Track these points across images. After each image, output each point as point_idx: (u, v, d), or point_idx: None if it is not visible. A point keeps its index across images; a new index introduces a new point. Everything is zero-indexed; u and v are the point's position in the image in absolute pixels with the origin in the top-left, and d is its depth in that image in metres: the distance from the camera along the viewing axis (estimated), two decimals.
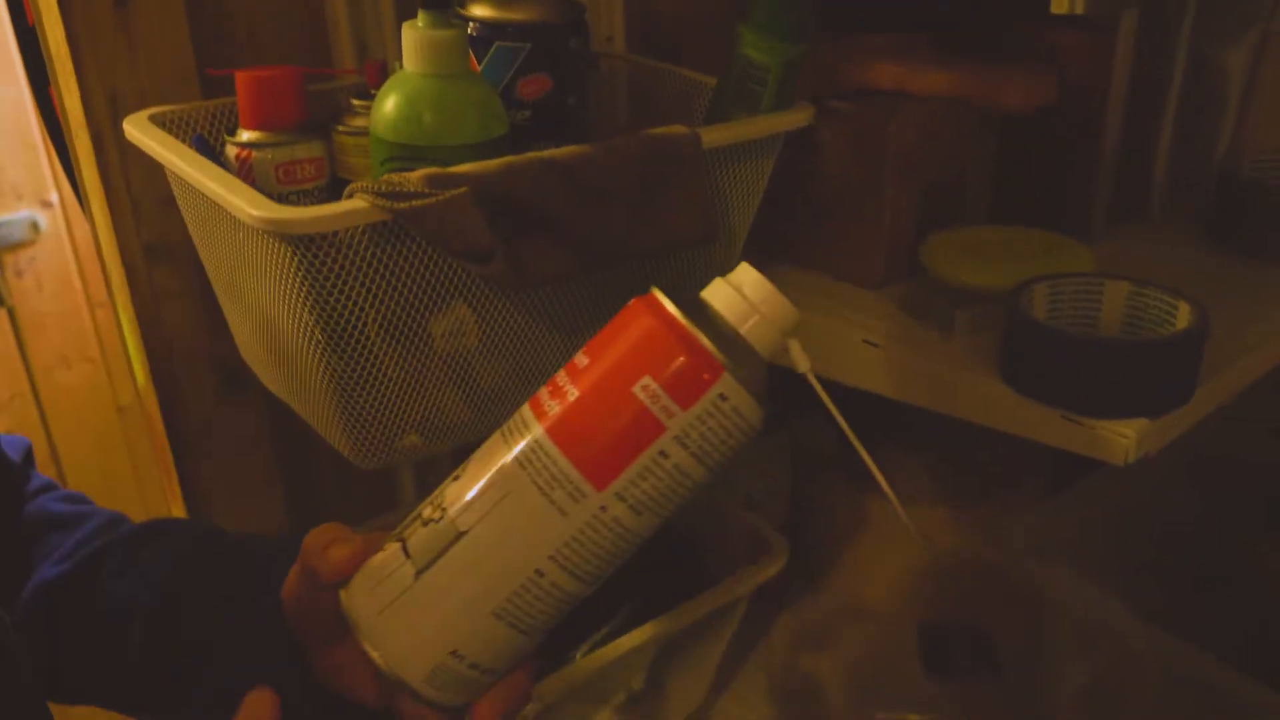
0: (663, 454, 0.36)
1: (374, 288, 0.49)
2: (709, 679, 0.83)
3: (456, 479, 0.39)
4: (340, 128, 0.58)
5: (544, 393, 0.38)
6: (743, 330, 0.39)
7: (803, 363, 0.42)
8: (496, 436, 0.39)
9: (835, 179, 0.72)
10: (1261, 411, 0.77)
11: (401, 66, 0.52)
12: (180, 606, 0.49)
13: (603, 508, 0.36)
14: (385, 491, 0.79)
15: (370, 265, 0.48)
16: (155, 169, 0.62)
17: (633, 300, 0.39)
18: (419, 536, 0.38)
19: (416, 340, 0.53)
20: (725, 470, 0.39)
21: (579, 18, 0.57)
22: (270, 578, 0.47)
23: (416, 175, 0.47)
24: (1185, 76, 0.80)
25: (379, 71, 0.59)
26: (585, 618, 0.73)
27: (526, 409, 0.38)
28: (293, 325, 0.52)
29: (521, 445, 0.37)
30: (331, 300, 0.49)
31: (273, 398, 0.72)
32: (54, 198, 1.44)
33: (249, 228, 0.48)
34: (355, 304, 0.50)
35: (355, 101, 0.58)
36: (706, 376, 0.36)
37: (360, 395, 0.54)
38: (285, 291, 0.50)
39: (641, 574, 0.76)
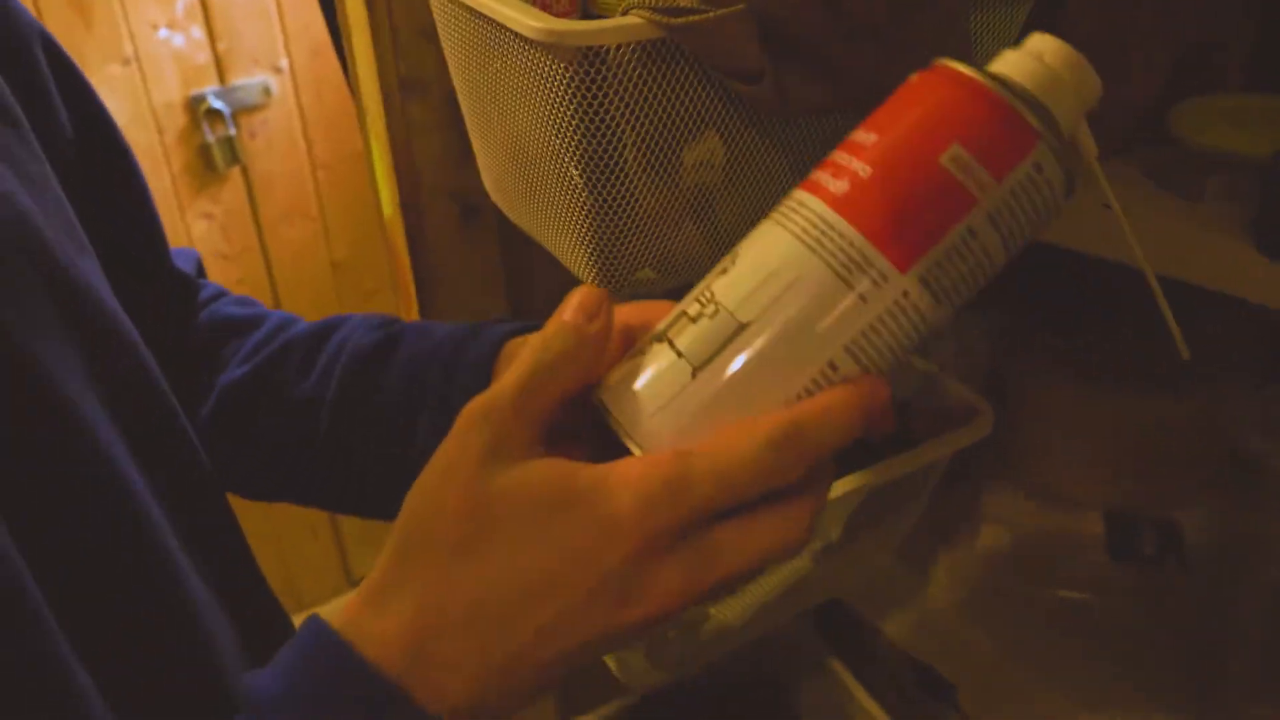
0: (971, 233, 0.33)
1: (637, 111, 0.51)
2: (898, 541, 0.84)
3: (724, 272, 0.36)
4: None
5: (823, 176, 0.35)
6: (1047, 98, 0.35)
7: (1090, 148, 0.39)
8: (770, 226, 0.36)
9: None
10: None
11: None
12: (365, 396, 0.49)
13: (905, 293, 0.33)
14: None
15: (637, 87, 0.50)
16: (416, 1, 0.65)
17: (917, 74, 0.35)
18: (690, 333, 0.35)
19: (669, 169, 0.54)
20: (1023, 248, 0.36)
21: None
22: (462, 358, 0.46)
23: None
24: None
25: None
26: None
27: (804, 194, 0.35)
28: (555, 149, 0.54)
29: (807, 227, 0.34)
30: (596, 122, 0.51)
31: (508, 233, 0.75)
32: (284, 64, 1.52)
33: (523, 45, 0.50)
34: (617, 127, 0.52)
35: None
36: (1024, 143, 0.33)
37: (612, 222, 0.56)
38: (553, 112, 0.52)
39: None
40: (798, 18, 0.49)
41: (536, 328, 0.44)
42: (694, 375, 0.34)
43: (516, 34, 0.50)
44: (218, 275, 1.56)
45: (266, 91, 1.50)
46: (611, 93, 0.50)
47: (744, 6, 0.46)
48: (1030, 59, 0.36)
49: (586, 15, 0.61)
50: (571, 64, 0.49)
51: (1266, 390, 0.71)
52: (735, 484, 0.32)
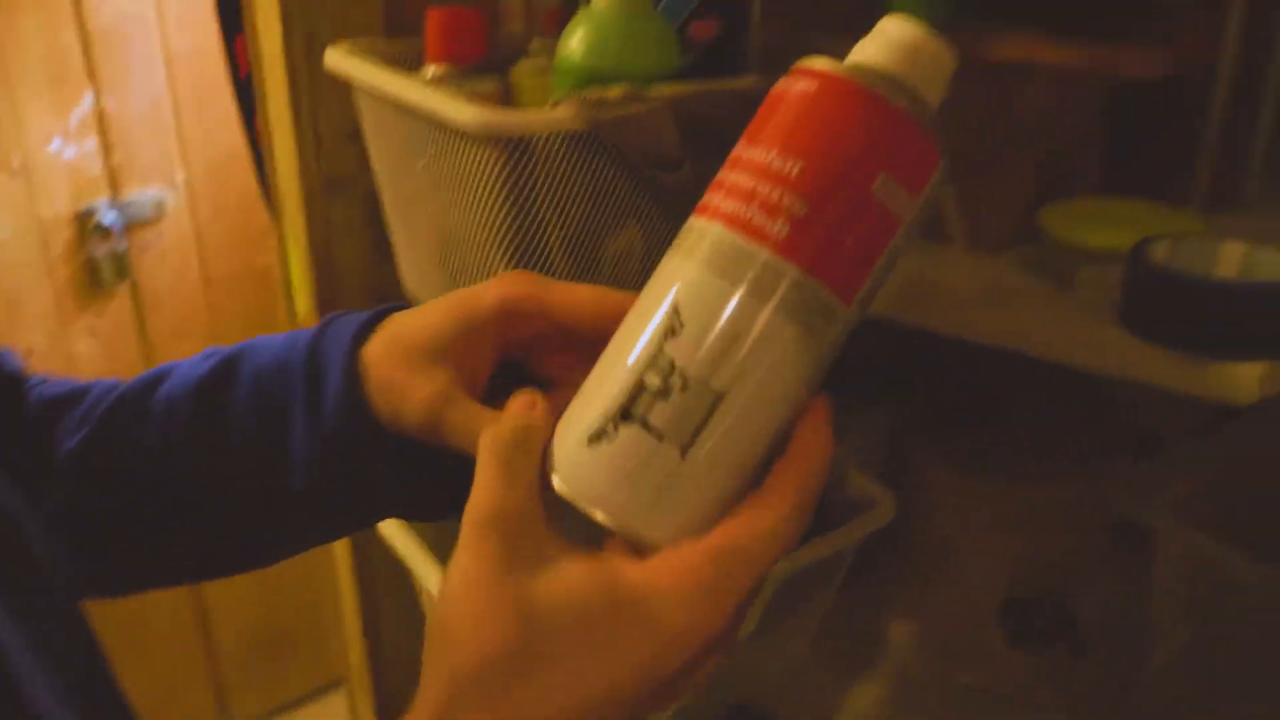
0: (895, 250, 0.34)
1: (563, 200, 0.54)
2: (812, 631, 0.85)
3: (674, 334, 0.34)
4: (518, 66, 0.63)
5: (756, 215, 0.34)
6: (922, 88, 0.35)
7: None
8: (710, 277, 0.34)
9: (957, 148, 0.76)
10: None
11: (589, 4, 0.57)
12: (215, 424, 0.44)
13: (848, 321, 0.34)
14: None
15: (564, 177, 0.53)
16: (339, 104, 0.67)
17: (815, 80, 0.35)
18: (665, 412, 0.33)
19: (592, 259, 0.57)
20: None
21: None
22: (319, 361, 0.41)
23: (615, 90, 0.51)
24: None
25: (555, 18, 0.64)
26: None
27: (743, 240, 0.34)
28: (482, 239, 0.56)
29: (760, 280, 0.33)
30: (524, 211, 0.54)
31: None
32: (180, 178, 1.51)
33: (455, 137, 0.52)
34: (543, 217, 0.54)
35: (533, 43, 0.63)
36: (933, 159, 0.34)
37: None
38: (482, 202, 0.54)
39: None
40: (713, 114, 0.53)
41: (389, 310, 0.42)
42: (684, 456, 0.33)
43: (449, 126, 0.53)
44: None
45: (160, 206, 1.50)
46: (539, 182, 0.53)
47: (666, 101, 0.50)
48: (908, 53, 0.35)
49: (506, 103, 0.65)
50: (502, 154, 0.51)
51: (1143, 464, 0.77)
52: (766, 569, 0.33)
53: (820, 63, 0.35)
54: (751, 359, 0.33)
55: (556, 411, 0.37)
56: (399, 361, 0.40)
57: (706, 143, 0.54)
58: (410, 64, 0.65)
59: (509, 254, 0.56)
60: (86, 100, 1.43)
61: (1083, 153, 0.80)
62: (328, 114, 0.67)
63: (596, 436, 0.34)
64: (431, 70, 0.62)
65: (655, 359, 0.34)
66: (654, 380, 0.34)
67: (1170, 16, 0.76)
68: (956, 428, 1.01)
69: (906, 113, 0.34)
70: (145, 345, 1.54)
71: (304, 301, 0.72)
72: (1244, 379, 0.60)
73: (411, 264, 0.68)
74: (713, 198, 0.35)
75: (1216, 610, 0.77)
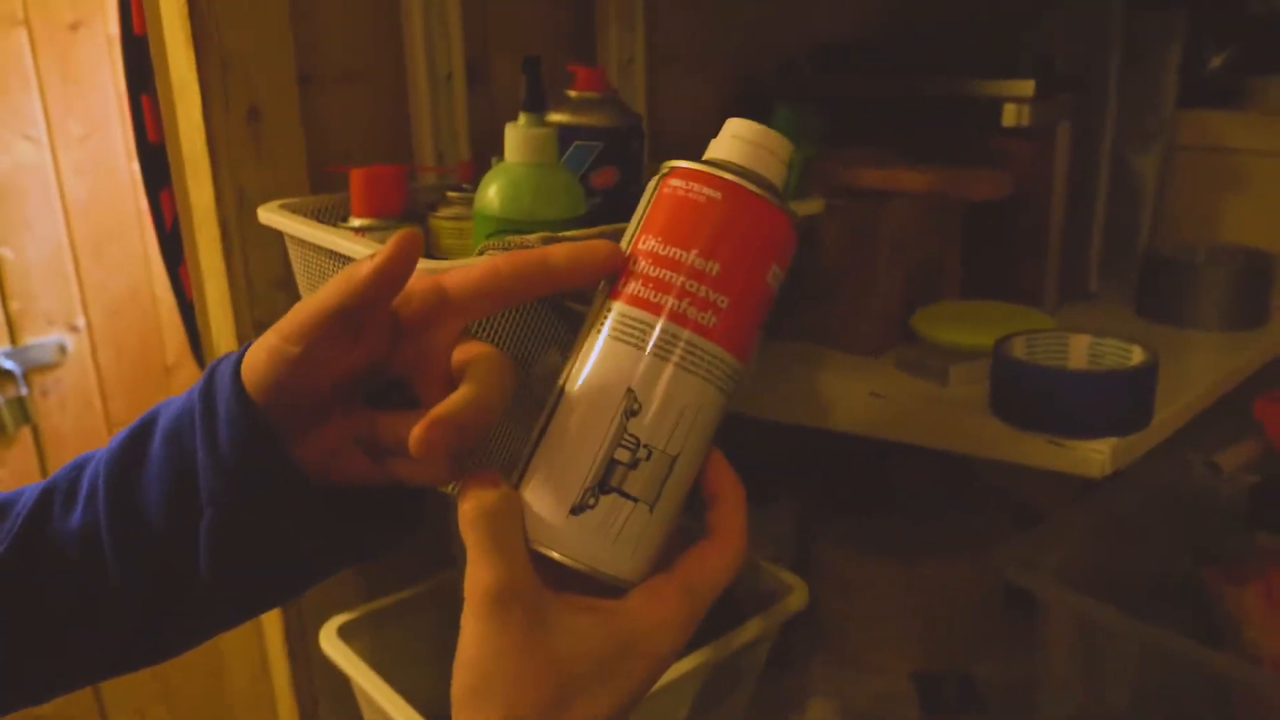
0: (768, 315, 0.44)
1: (493, 334, 0.59)
2: (740, 717, 0.90)
3: (633, 414, 0.41)
4: (437, 214, 0.69)
5: (684, 306, 0.41)
6: (771, 177, 0.43)
7: None
8: (655, 362, 0.41)
9: (834, 264, 0.85)
10: (1197, 447, 0.91)
11: (501, 160, 0.64)
12: (132, 486, 0.44)
13: (745, 377, 0.43)
14: (442, 547, 0.87)
15: (491, 317, 0.59)
16: (268, 254, 0.72)
17: (706, 186, 0.42)
18: (635, 479, 0.41)
19: (520, 383, 0.62)
20: None
21: (638, 124, 0.69)
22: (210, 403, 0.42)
23: (534, 236, 0.57)
24: (1110, 178, 0.96)
25: (470, 169, 0.70)
26: None
27: (675, 327, 0.41)
28: None
29: (696, 362, 0.41)
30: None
31: None
32: (80, 322, 1.52)
33: None
34: None
35: (450, 193, 0.69)
36: (793, 239, 0.43)
37: None
38: None
39: None
40: None
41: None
42: (652, 511, 0.41)
43: None
44: None
45: (62, 350, 1.50)
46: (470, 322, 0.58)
47: None
48: (766, 154, 0.44)
49: (429, 258, 0.70)
50: None
51: (1027, 536, 0.84)
52: (721, 591, 0.43)
53: (706, 168, 0.42)
54: (695, 425, 0.42)
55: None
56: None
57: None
58: (335, 217, 0.70)
59: None
60: None
61: (945, 261, 0.89)
62: (258, 263, 0.72)
63: (579, 509, 0.41)
64: (358, 222, 0.67)
65: (621, 437, 0.41)
66: (624, 455, 0.41)
67: (1006, 142, 0.87)
68: (857, 516, 1.08)
69: (783, 209, 0.42)
70: None
71: None
72: (1097, 455, 0.68)
73: None
74: (646, 291, 0.42)
75: (1100, 664, 0.84)
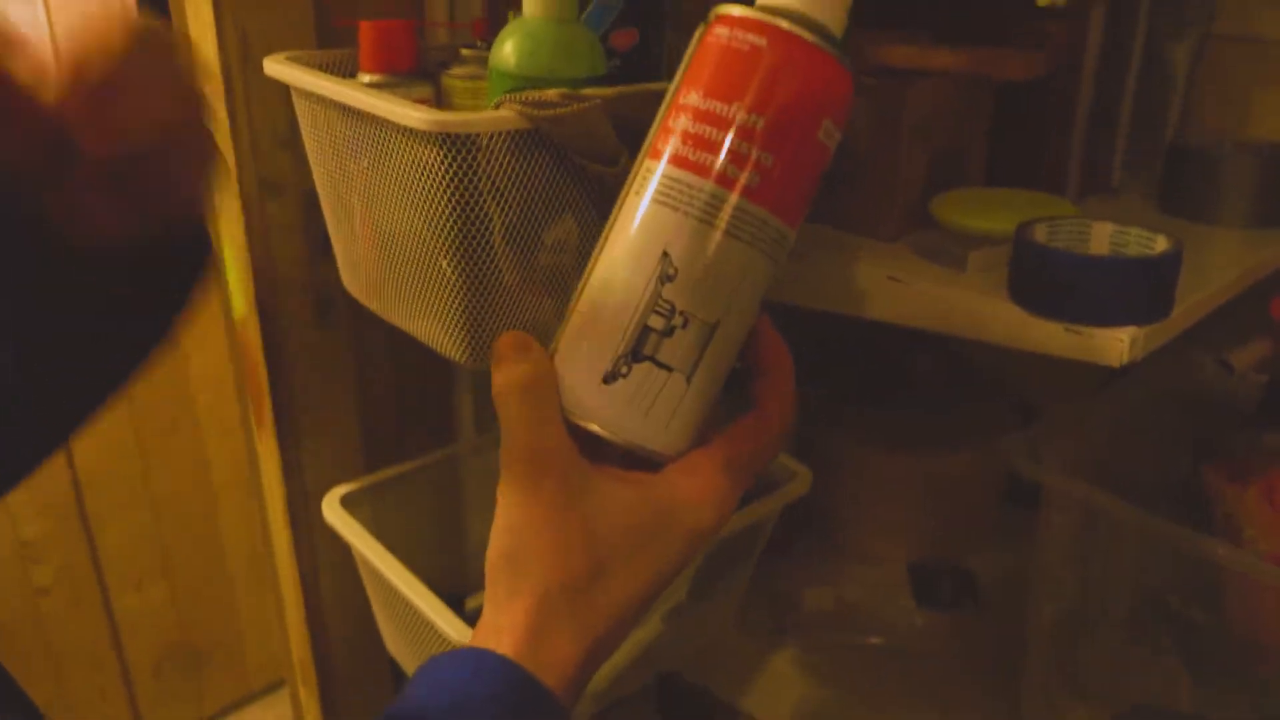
0: (824, 175, 0.41)
1: (506, 194, 0.58)
2: (738, 599, 0.91)
3: (669, 279, 0.39)
4: (450, 72, 0.66)
5: (727, 165, 0.38)
6: (828, 23, 0.40)
7: None
8: (692, 223, 0.39)
9: (854, 145, 0.82)
10: (1210, 345, 0.90)
11: (517, 15, 0.61)
12: None
13: (792, 242, 0.41)
14: (444, 422, 0.86)
15: (506, 173, 0.57)
16: (273, 110, 0.70)
17: (755, 34, 0.38)
18: (670, 347, 0.39)
19: (530, 249, 0.61)
20: None
21: None
22: None
23: (552, 92, 0.55)
24: (1140, 66, 0.93)
25: (483, 26, 0.68)
26: None
27: (719, 189, 0.38)
28: (426, 234, 0.59)
29: (740, 225, 0.39)
30: (468, 206, 0.57)
31: (360, 328, 0.79)
32: None
33: (402, 137, 0.56)
34: (486, 210, 0.58)
35: (464, 50, 0.67)
36: (851, 92, 0.40)
37: (479, 301, 0.61)
38: (427, 199, 0.57)
39: None
40: (641, 113, 0.58)
41: None
42: (689, 382, 0.40)
43: (396, 127, 0.56)
44: None
45: None
46: (483, 179, 0.56)
47: (600, 101, 0.55)
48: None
49: (441, 106, 0.68)
50: (449, 152, 0.55)
51: (1034, 427, 0.84)
52: (762, 468, 0.42)
53: (755, 13, 0.39)
54: (737, 292, 0.39)
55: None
56: None
57: (636, 139, 0.58)
58: (344, 73, 0.68)
59: (454, 248, 0.59)
60: None
61: (970, 147, 0.87)
62: (263, 119, 0.69)
63: (611, 377, 0.39)
64: (368, 78, 0.65)
65: (656, 303, 0.39)
66: (658, 322, 0.39)
67: (1041, 24, 0.84)
68: (861, 405, 1.08)
69: (839, 60, 0.39)
70: None
71: (241, 302, 0.74)
72: (1116, 343, 0.67)
73: (351, 264, 0.70)
74: (686, 150, 0.39)
75: (1099, 558, 0.84)
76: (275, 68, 0.62)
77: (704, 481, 0.40)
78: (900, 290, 0.77)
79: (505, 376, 0.39)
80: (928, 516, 1.04)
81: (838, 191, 0.84)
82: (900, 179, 0.81)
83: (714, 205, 0.39)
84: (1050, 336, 0.70)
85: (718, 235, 0.39)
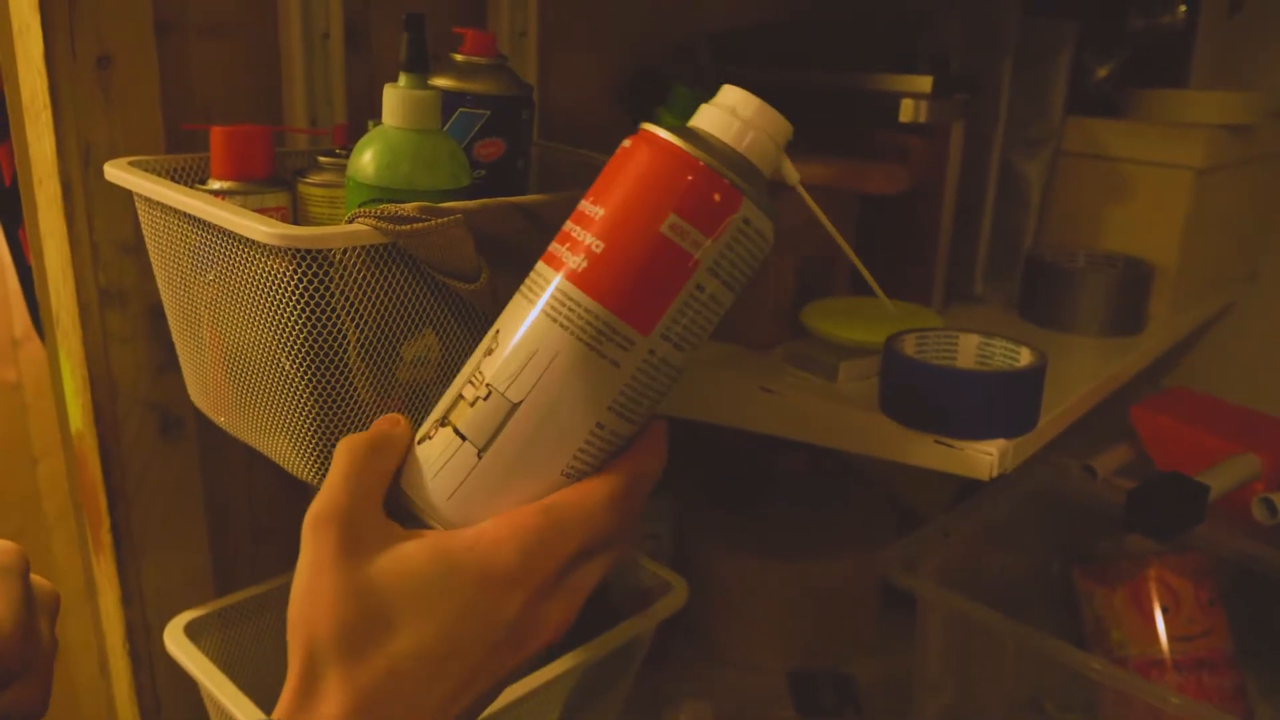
0: (699, 287, 0.38)
1: (360, 310, 0.55)
2: (615, 717, 0.87)
3: (490, 353, 0.39)
4: (306, 180, 0.64)
5: (562, 250, 0.39)
6: (742, 149, 0.39)
7: (793, 175, 0.43)
8: (523, 303, 0.39)
9: None
10: (1073, 451, 0.92)
11: (377, 124, 0.59)
12: None
13: (651, 351, 0.38)
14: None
15: (360, 288, 0.54)
16: (116, 217, 0.66)
17: (629, 141, 0.39)
18: (470, 417, 0.38)
19: (388, 364, 0.58)
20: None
21: (528, 94, 0.65)
22: None
23: (410, 206, 0.53)
24: (999, 180, 0.96)
25: (344, 133, 0.66)
26: None
27: (549, 270, 0.38)
28: (275, 348, 0.56)
29: (558, 307, 0.38)
30: (320, 320, 0.54)
31: (207, 444, 0.74)
32: None
33: (250, 250, 0.53)
34: (340, 325, 0.55)
35: (322, 158, 0.64)
36: (730, 203, 0.37)
37: (332, 417, 0.58)
38: (277, 313, 0.54)
39: None
40: (504, 227, 0.56)
41: None
42: (479, 456, 0.38)
43: (243, 239, 0.53)
44: None
45: None
46: (336, 293, 0.54)
47: (461, 215, 0.53)
48: (726, 114, 0.40)
49: (295, 216, 0.65)
50: (299, 267, 0.52)
51: (909, 537, 0.84)
52: (599, 530, 0.38)
53: (650, 126, 0.39)
54: (549, 376, 0.38)
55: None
56: None
57: (498, 254, 0.57)
58: (194, 179, 0.64)
59: (305, 365, 0.56)
60: None
61: (837, 256, 0.88)
62: (105, 225, 0.65)
63: (423, 439, 0.40)
64: (218, 185, 0.62)
65: (473, 374, 0.39)
66: (469, 392, 0.39)
67: (904, 139, 0.86)
68: (735, 512, 1.07)
69: (702, 162, 0.38)
70: None
71: (79, 416, 0.69)
72: (986, 457, 0.68)
73: (198, 377, 0.66)
74: (553, 246, 0.40)
75: (976, 664, 0.84)
76: (115, 173, 0.59)
77: (504, 520, 0.37)
78: (772, 401, 0.76)
79: (349, 437, 0.40)
80: (806, 623, 1.03)
81: None
82: (770, 286, 0.82)
83: (539, 284, 0.39)
84: (921, 449, 0.70)
85: (533, 311, 0.38)
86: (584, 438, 0.38)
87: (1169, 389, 1.09)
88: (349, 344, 0.56)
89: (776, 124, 0.40)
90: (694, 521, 1.04)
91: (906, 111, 0.84)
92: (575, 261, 0.38)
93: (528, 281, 0.40)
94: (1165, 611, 0.86)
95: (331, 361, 0.56)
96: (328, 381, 0.57)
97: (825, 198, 0.83)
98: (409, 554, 0.37)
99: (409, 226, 0.52)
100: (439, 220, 0.52)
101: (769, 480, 1.09)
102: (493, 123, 0.63)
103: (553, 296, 0.38)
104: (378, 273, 0.54)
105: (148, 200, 0.59)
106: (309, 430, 0.59)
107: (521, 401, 0.38)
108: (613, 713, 0.86)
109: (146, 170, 0.60)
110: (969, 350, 0.75)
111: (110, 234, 0.66)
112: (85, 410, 0.68)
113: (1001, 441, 0.68)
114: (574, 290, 0.38)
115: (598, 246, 0.38)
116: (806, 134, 0.89)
